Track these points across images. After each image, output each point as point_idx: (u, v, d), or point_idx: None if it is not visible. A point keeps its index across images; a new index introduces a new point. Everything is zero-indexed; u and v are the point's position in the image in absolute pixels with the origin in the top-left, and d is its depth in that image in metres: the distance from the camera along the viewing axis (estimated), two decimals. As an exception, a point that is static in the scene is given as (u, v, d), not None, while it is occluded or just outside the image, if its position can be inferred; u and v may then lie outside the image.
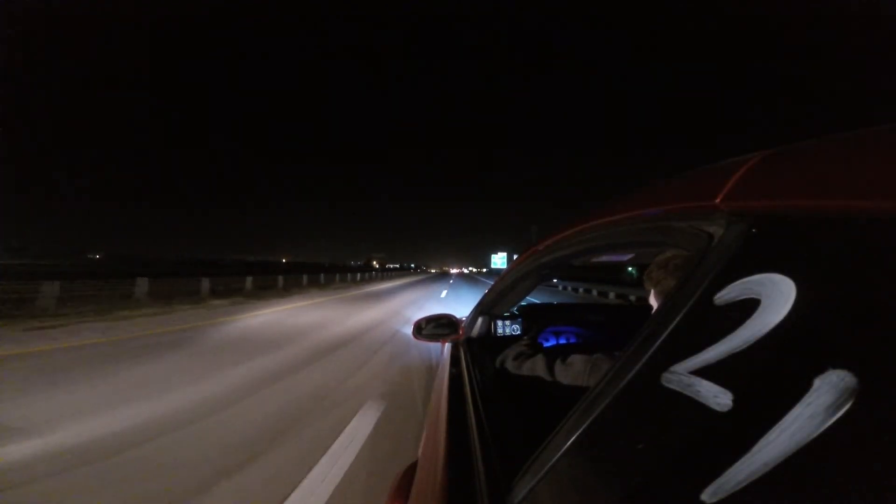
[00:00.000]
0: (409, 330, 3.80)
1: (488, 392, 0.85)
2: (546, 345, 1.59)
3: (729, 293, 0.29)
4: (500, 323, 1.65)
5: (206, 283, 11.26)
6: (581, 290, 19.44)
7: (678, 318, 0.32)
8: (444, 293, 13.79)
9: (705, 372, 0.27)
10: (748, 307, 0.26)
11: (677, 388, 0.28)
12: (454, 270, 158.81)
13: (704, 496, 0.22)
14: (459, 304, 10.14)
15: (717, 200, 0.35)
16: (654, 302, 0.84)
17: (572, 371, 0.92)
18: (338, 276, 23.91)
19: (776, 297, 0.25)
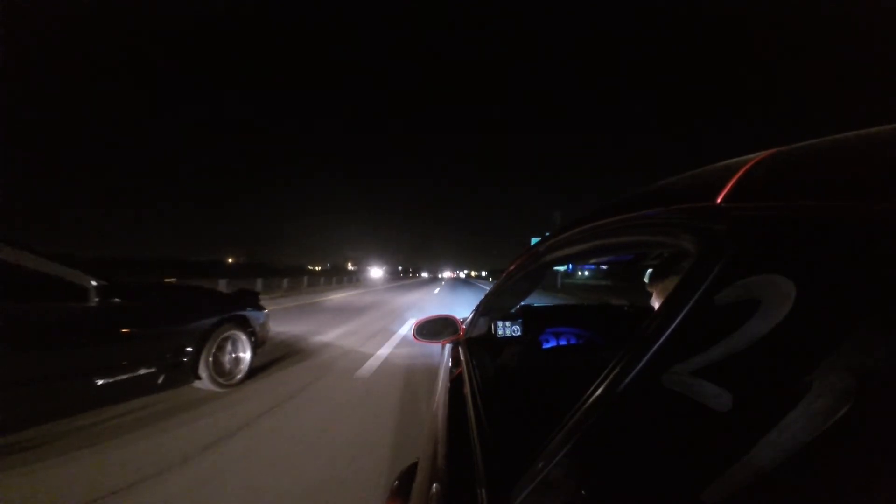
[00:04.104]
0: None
1: (489, 393, 0.85)
2: (546, 346, 1.60)
3: (729, 294, 0.28)
4: (500, 324, 1.64)
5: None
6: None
7: (678, 319, 0.31)
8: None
9: (706, 373, 0.26)
10: (748, 308, 0.26)
11: (678, 389, 0.28)
12: (447, 274, 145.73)
13: (705, 496, 0.22)
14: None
15: (718, 200, 0.35)
16: (655, 304, 0.84)
17: (572, 372, 0.90)
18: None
19: (776, 297, 0.25)
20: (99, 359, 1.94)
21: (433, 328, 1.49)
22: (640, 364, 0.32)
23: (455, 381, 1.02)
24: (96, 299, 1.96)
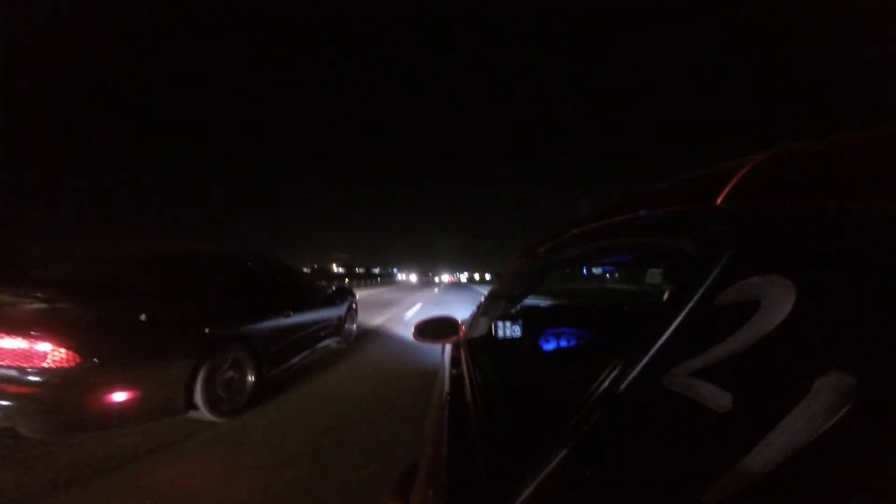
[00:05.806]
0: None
1: (489, 393, 0.84)
2: (546, 347, 1.62)
3: (729, 294, 0.29)
4: (500, 325, 1.61)
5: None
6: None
7: (678, 320, 0.32)
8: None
9: (706, 374, 0.27)
10: (748, 308, 0.27)
11: (678, 390, 0.28)
12: (445, 278, 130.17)
13: (705, 497, 0.22)
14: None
15: (718, 202, 0.36)
16: None
17: (572, 373, 0.98)
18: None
19: (776, 298, 0.26)
20: (321, 320, 4.03)
21: (433, 329, 1.50)
22: (641, 365, 0.33)
23: (455, 382, 1.02)
24: (329, 290, 4.48)
